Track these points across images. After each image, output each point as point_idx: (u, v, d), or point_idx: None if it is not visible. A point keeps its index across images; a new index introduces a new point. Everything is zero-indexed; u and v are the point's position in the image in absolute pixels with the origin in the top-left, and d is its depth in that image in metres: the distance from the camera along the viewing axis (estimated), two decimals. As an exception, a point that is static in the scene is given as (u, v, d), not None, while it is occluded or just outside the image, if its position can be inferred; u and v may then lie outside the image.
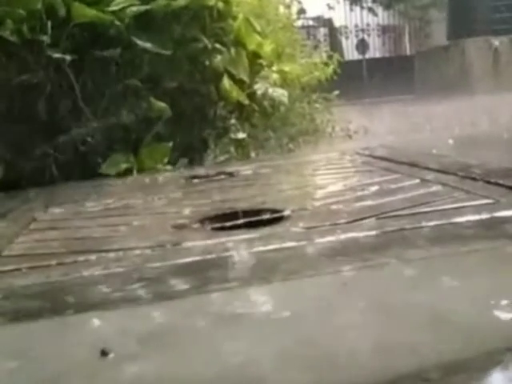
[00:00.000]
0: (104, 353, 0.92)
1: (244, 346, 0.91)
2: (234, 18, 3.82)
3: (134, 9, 3.35)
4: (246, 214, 1.91)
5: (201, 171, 3.11)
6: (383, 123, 6.55)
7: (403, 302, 1.03)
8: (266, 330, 0.97)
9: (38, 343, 1.01)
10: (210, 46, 3.58)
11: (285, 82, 4.58)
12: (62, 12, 3.14)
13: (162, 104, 3.37)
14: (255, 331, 0.96)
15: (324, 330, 0.95)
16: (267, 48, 4.03)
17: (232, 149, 3.89)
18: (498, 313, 0.94)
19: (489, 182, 1.97)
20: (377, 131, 5.46)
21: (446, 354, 0.83)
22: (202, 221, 1.89)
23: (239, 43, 3.81)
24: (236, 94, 3.73)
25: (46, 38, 3.11)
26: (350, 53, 15.36)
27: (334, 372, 0.81)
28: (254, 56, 3.92)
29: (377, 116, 7.82)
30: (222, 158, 3.72)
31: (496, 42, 10.49)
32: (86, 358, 0.92)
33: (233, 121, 3.98)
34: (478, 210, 1.64)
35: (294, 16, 6.11)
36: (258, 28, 4.01)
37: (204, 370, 0.85)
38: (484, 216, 1.57)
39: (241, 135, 3.97)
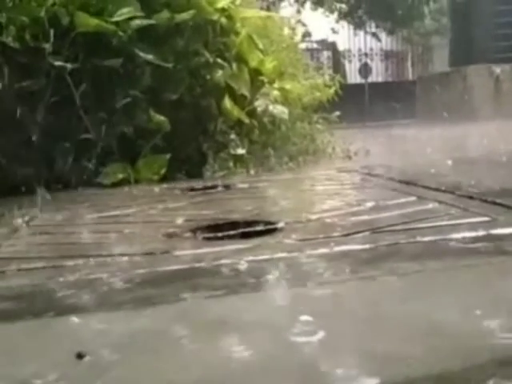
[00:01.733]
0: (80, 356, 0.89)
1: (223, 351, 0.88)
2: (237, 34, 3.83)
3: (138, 21, 3.36)
4: (239, 225, 1.88)
5: (197, 183, 3.09)
6: (384, 146, 6.54)
7: (393, 314, 1.00)
8: (248, 336, 0.93)
9: (13, 344, 0.97)
10: (211, 60, 3.59)
11: (286, 100, 4.58)
12: (65, 20, 3.16)
13: (161, 117, 3.36)
14: (237, 337, 0.93)
15: (305, 340, 0.91)
16: (269, 65, 4.04)
17: (231, 164, 3.87)
18: (490, 327, 0.91)
19: (486, 201, 1.95)
20: (377, 153, 5.45)
21: (434, 366, 0.80)
22: (194, 230, 1.86)
23: (241, 59, 3.82)
24: (237, 113, 3.73)
25: (48, 46, 3.11)
26: (353, 76, 15.47)
27: (315, 381, 0.78)
28: (256, 72, 3.93)
29: (377, 139, 7.82)
30: (220, 174, 3.70)
31: (497, 69, 10.56)
32: (61, 360, 0.88)
33: (232, 136, 3.97)
34: (474, 227, 1.61)
35: (299, 37, 6.16)
36: (261, 45, 4.02)
37: (183, 373, 0.82)
38: (480, 233, 1.54)
39: (240, 151, 3.95)
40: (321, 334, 0.93)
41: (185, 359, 0.86)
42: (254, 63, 3.90)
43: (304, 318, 1.00)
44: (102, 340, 0.95)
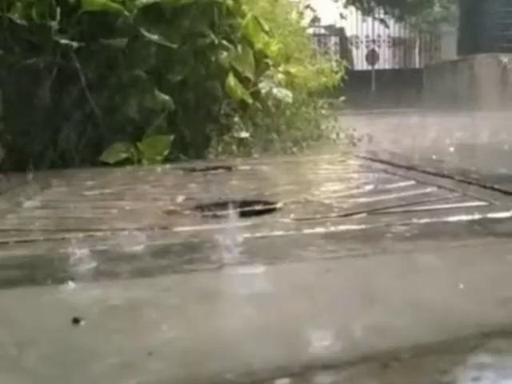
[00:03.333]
0: (76, 320, 0.92)
1: (216, 320, 0.91)
2: (243, 16, 3.82)
3: (144, 1, 3.36)
4: (238, 204, 1.90)
5: (200, 164, 3.11)
6: (388, 133, 6.53)
7: (383, 289, 1.03)
8: (241, 306, 0.96)
9: (12, 308, 1.00)
10: (216, 41, 3.58)
11: (291, 85, 4.57)
12: (72, -1, 3.16)
13: (165, 96, 3.37)
14: (229, 307, 0.95)
15: (298, 310, 0.94)
16: (274, 47, 4.03)
17: (234, 147, 3.88)
18: (476, 302, 0.93)
19: (484, 186, 1.96)
20: (381, 140, 5.45)
21: (420, 338, 0.82)
22: (194, 209, 1.88)
23: (246, 41, 3.81)
24: (240, 92, 3.73)
25: (54, 24, 3.12)
26: (360, 63, 15.38)
27: (305, 348, 0.80)
28: (261, 55, 3.92)
29: (383, 126, 7.80)
30: (223, 157, 3.71)
31: (505, 59, 10.48)
32: (57, 324, 0.91)
33: (236, 119, 3.97)
34: (470, 210, 1.62)
35: (306, 22, 6.12)
36: (266, 28, 4.01)
37: (174, 341, 0.84)
38: (476, 216, 1.56)
39: (244, 134, 3.96)
40: (309, 306, 0.95)
41: (176, 327, 0.89)
42: (259, 45, 3.89)
43: (294, 290, 1.03)
44: (97, 306, 0.98)
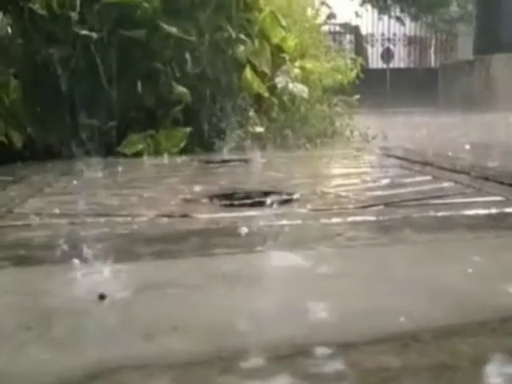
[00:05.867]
0: (102, 297, 0.95)
1: (238, 300, 0.93)
2: (260, 11, 3.83)
3: (163, -7, 3.38)
4: (255, 195, 1.92)
5: (215, 157, 3.13)
6: (402, 131, 6.51)
7: (402, 275, 1.04)
8: (261, 288, 0.98)
9: (41, 285, 1.03)
10: (234, 35, 3.60)
11: (307, 81, 4.58)
12: (92, -10, 3.19)
13: (182, 89, 3.40)
14: (250, 289, 0.97)
15: (317, 293, 0.96)
16: (291, 42, 4.04)
17: (249, 142, 3.90)
18: (493, 289, 0.94)
19: (501, 183, 1.97)
20: (395, 138, 5.44)
21: (439, 321, 0.83)
22: (212, 198, 1.91)
23: (263, 36, 3.83)
24: (257, 85, 3.75)
25: (74, 15, 3.16)
26: (375, 61, 15.32)
27: (326, 328, 0.82)
28: (278, 49, 3.94)
29: (397, 124, 7.78)
30: (237, 151, 3.73)
31: (522, 59, 10.39)
32: (84, 300, 0.94)
33: (251, 113, 3.99)
34: (487, 205, 1.63)
35: (322, 19, 6.11)
36: (283, 23, 4.02)
37: (199, 317, 0.86)
38: (493, 211, 1.56)
39: (259, 129, 3.97)
40: (329, 290, 0.97)
41: (199, 305, 0.91)
42: (276, 40, 3.91)
43: (314, 274, 1.05)
44: (121, 285, 1.00)
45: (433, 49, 16.32)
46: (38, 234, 1.39)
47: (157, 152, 3.32)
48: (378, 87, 12.93)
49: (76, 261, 1.14)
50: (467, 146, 3.30)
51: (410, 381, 0.66)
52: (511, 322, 0.82)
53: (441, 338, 0.78)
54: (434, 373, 0.67)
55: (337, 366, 0.69)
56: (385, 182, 2.12)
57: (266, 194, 1.92)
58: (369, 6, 15.50)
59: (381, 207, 1.66)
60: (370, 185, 2.07)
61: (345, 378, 0.67)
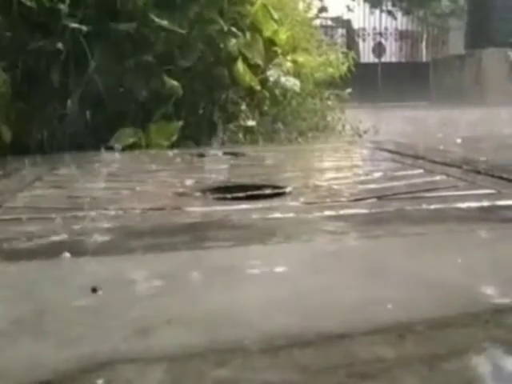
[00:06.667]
0: (94, 290, 0.94)
1: (232, 292, 0.92)
2: (252, 4, 3.82)
3: (154, -14, 3.36)
4: (248, 188, 1.91)
5: (207, 151, 3.12)
6: (394, 125, 6.53)
7: (396, 267, 1.04)
8: (255, 281, 0.98)
9: (34, 279, 1.02)
10: (226, 28, 3.58)
11: (299, 75, 4.57)
12: (82, -18, 3.16)
13: (173, 82, 3.38)
14: (244, 281, 0.97)
15: (311, 285, 0.95)
16: (282, 36, 4.03)
17: (240, 135, 3.89)
18: (486, 281, 0.94)
19: (492, 176, 1.97)
20: (387, 132, 5.45)
21: (433, 312, 0.84)
22: (204, 191, 1.90)
23: (255, 28, 3.81)
24: (249, 78, 3.73)
25: (63, 7, 3.12)
26: (366, 55, 15.32)
27: (320, 320, 0.82)
28: (270, 42, 3.92)
29: (389, 119, 7.80)
30: (229, 145, 3.72)
31: (513, 54, 10.44)
32: (77, 293, 0.93)
33: (243, 107, 3.98)
34: (479, 198, 1.64)
35: (313, 12, 6.10)
36: (275, 16, 4.00)
37: (194, 310, 0.86)
38: (485, 203, 1.57)
39: (250, 123, 3.97)
40: (322, 283, 0.97)
41: (193, 298, 0.91)
42: (268, 33, 3.89)
43: (307, 267, 1.04)
44: (113, 278, 0.99)
45: (424, 43, 16.35)
46: (28, 228, 1.38)
47: (148, 145, 3.30)
48: (369, 81, 12.95)
49: (67, 254, 1.14)
50: (458, 140, 3.31)
51: (405, 371, 0.66)
52: (504, 314, 0.82)
53: (435, 329, 0.78)
54: (428, 363, 0.67)
55: (332, 356, 0.69)
56: (377, 175, 2.12)
57: (259, 187, 1.92)
58: (360, 0, 15.49)
59: (373, 200, 1.66)
60: (363, 178, 2.07)
61: (340, 368, 0.67)
